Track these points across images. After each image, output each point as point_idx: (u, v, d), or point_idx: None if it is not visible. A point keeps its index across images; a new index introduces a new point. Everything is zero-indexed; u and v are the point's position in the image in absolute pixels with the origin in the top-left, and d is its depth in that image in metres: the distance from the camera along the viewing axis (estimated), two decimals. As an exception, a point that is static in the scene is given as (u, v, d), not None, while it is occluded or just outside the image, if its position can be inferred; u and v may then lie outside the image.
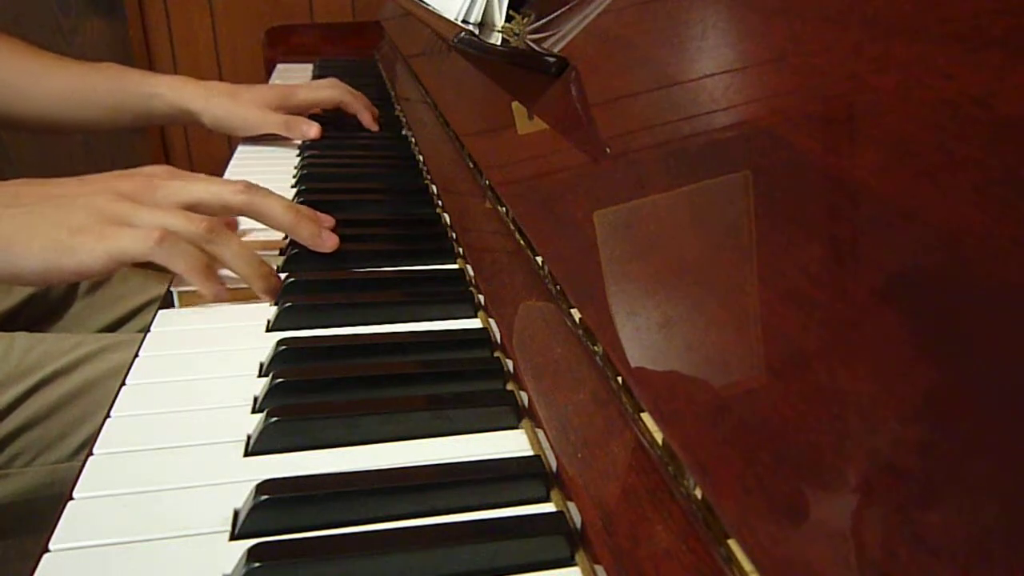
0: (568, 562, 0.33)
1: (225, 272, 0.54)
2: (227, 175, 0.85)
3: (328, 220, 0.61)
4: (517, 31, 0.68)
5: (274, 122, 0.94)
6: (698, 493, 0.28)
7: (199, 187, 0.55)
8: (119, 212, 0.50)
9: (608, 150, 0.41)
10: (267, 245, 0.63)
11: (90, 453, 0.39)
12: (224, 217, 0.58)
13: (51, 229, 0.49)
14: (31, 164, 1.69)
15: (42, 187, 0.54)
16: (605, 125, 0.43)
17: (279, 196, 0.58)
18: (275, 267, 0.59)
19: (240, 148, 0.97)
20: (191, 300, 0.54)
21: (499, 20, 0.75)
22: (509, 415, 0.42)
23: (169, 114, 0.93)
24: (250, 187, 0.57)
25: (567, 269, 0.42)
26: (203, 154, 1.93)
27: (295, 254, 0.61)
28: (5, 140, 1.68)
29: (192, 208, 0.54)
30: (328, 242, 0.58)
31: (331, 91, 1.00)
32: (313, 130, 0.94)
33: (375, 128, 1.01)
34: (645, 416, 0.32)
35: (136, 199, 0.52)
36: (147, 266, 0.54)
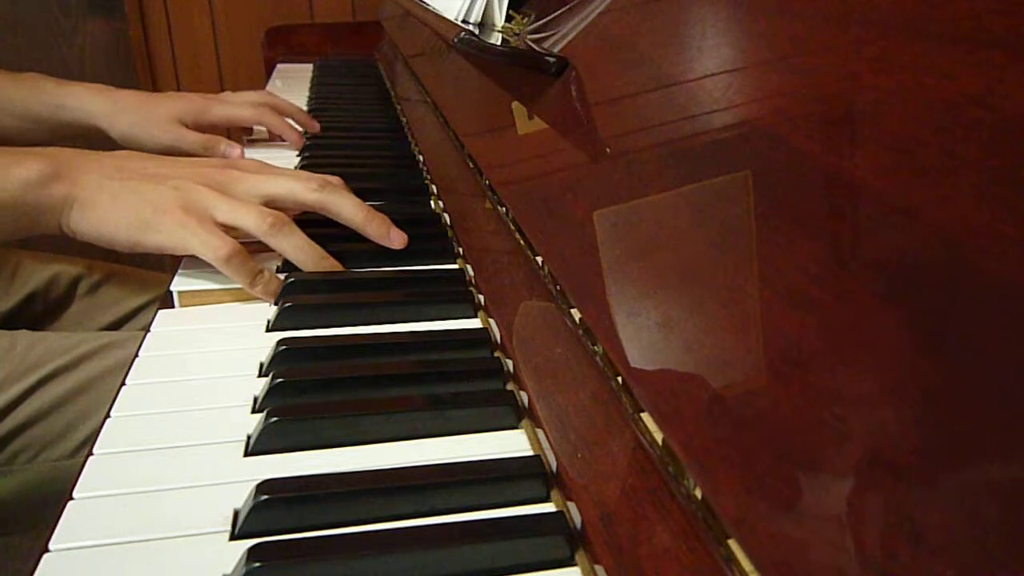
0: (568, 562, 0.33)
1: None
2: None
3: (400, 237, 0.64)
4: (517, 31, 0.68)
5: (191, 141, 0.88)
6: (698, 493, 0.28)
7: (277, 183, 0.60)
8: (201, 201, 0.56)
9: (608, 150, 0.41)
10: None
11: (90, 453, 0.39)
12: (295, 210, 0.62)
13: (141, 206, 0.55)
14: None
15: (142, 162, 0.60)
16: (605, 125, 0.43)
17: (350, 195, 0.61)
18: (275, 267, 0.60)
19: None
20: (191, 300, 0.55)
21: (499, 20, 0.75)
22: (509, 415, 0.42)
23: (78, 127, 0.89)
24: (325, 184, 0.61)
25: (567, 269, 0.42)
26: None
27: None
28: (5, 142, 1.67)
29: (269, 201, 0.58)
30: (396, 240, 0.61)
31: (250, 111, 0.94)
32: (235, 151, 0.87)
33: (298, 144, 0.95)
34: (645, 416, 0.32)
35: (221, 189, 0.57)
36: (145, 265, 0.54)
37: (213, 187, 0.57)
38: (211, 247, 0.53)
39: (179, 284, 0.56)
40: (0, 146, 0.58)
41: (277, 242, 0.56)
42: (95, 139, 0.88)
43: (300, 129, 0.97)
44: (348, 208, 0.60)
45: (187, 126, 0.89)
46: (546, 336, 0.44)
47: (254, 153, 0.94)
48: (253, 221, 0.56)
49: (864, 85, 0.25)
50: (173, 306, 0.55)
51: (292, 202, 0.60)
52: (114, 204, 0.56)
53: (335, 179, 0.63)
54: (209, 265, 0.54)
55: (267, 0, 1.86)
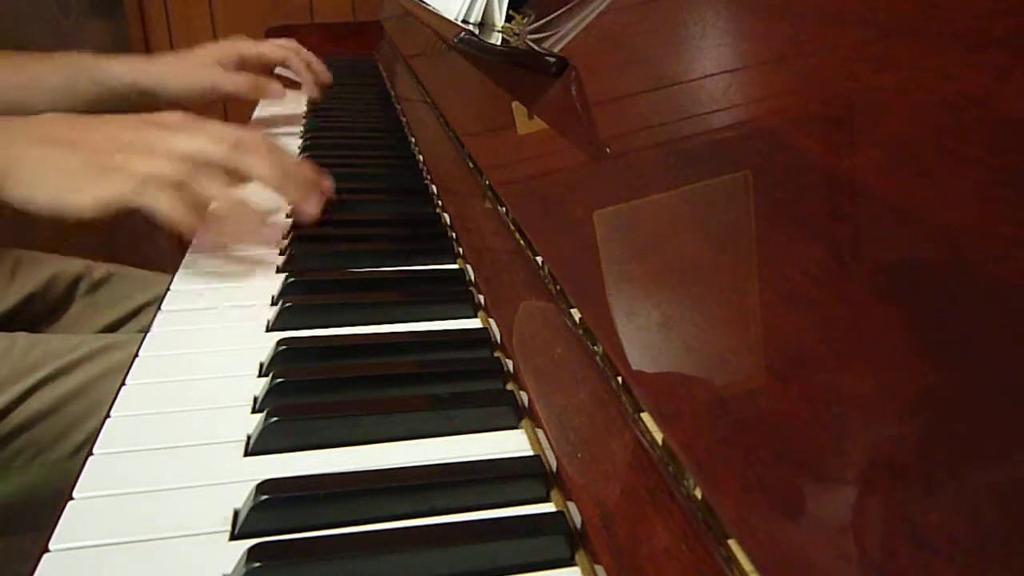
0: (568, 562, 0.33)
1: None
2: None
3: (326, 181, 0.64)
4: (517, 31, 0.68)
5: (235, 83, 0.93)
6: (698, 493, 0.28)
7: (188, 141, 0.57)
8: (118, 158, 0.55)
9: (608, 150, 0.41)
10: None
11: (90, 453, 0.39)
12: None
13: (57, 170, 0.55)
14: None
15: (65, 126, 0.59)
16: (605, 125, 0.43)
17: (269, 154, 0.59)
18: (275, 267, 0.59)
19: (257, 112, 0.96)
20: (191, 301, 0.55)
21: (499, 20, 0.75)
22: (509, 415, 0.42)
23: (124, 95, 0.92)
24: (238, 143, 0.58)
25: (567, 269, 0.42)
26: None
27: (295, 254, 0.61)
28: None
29: (186, 158, 0.56)
30: (311, 206, 0.61)
31: (279, 51, 1.03)
32: (278, 88, 0.94)
33: (315, 94, 1.05)
34: (645, 416, 0.32)
35: (138, 147, 0.56)
36: (145, 265, 0.54)
37: (127, 146, 0.56)
38: (122, 184, 0.53)
39: (179, 284, 0.56)
40: None
41: (242, 157, 0.57)
42: (144, 104, 0.90)
43: (315, 79, 1.06)
44: (260, 168, 0.58)
45: (224, 67, 0.94)
46: (546, 336, 0.44)
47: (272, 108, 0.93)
48: (169, 172, 0.54)
49: (864, 85, 0.25)
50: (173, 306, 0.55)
51: (207, 159, 0.57)
52: (34, 170, 0.56)
53: (257, 136, 0.60)
54: (209, 265, 0.54)
55: (267, 0, 1.86)
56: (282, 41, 1.05)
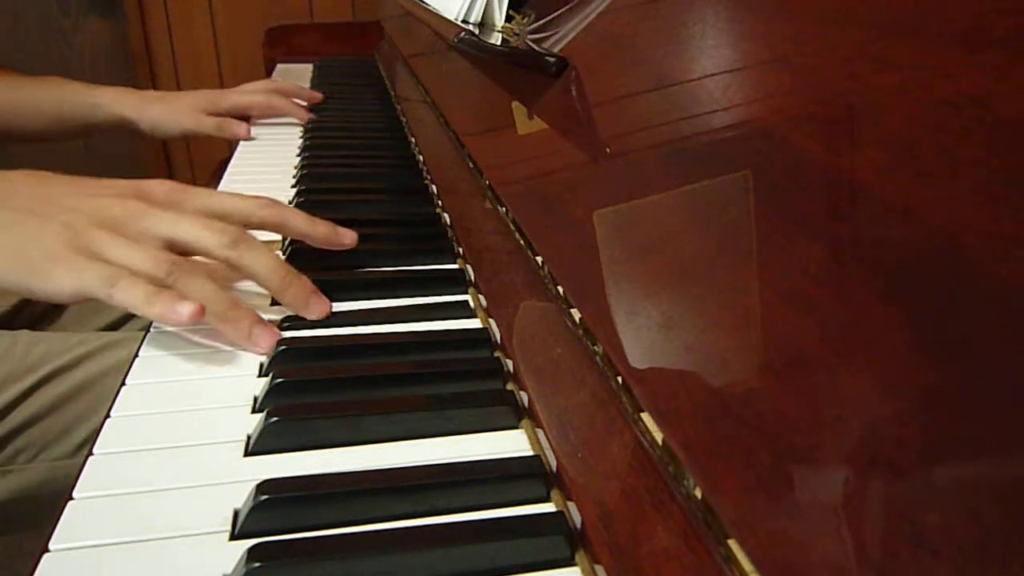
0: (568, 562, 0.33)
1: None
2: (227, 175, 0.85)
3: (347, 237, 0.58)
4: (517, 31, 0.68)
5: (207, 124, 1.01)
6: (698, 493, 0.28)
7: (184, 227, 0.50)
8: (96, 242, 0.48)
9: (608, 150, 0.41)
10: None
11: (90, 453, 0.39)
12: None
13: (27, 248, 0.48)
14: (31, 160, 1.68)
15: (36, 187, 0.53)
16: (605, 125, 0.43)
17: (268, 255, 0.52)
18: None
19: (240, 148, 0.97)
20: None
21: (499, 20, 0.75)
22: (509, 415, 0.42)
23: (110, 123, 1.00)
24: (240, 239, 0.51)
25: (567, 269, 0.42)
26: (203, 154, 1.93)
27: (294, 252, 0.61)
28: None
29: (171, 246, 0.50)
30: (315, 308, 0.52)
31: (258, 96, 1.07)
32: (242, 130, 1.01)
33: (305, 119, 1.07)
34: (645, 416, 0.32)
35: (117, 226, 0.49)
36: None
37: (107, 225, 0.49)
38: (97, 278, 0.46)
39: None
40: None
41: (237, 256, 0.50)
42: (125, 132, 1.02)
43: (306, 106, 1.10)
44: (262, 270, 0.51)
45: (206, 112, 1.01)
46: (546, 336, 0.44)
47: (254, 152, 0.95)
48: (148, 266, 0.47)
49: (864, 85, 0.25)
50: None
51: (199, 252, 0.51)
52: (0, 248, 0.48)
53: (253, 240, 0.52)
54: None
55: (267, 0, 1.86)
56: (260, 84, 1.09)
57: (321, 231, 0.57)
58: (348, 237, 0.58)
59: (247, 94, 1.07)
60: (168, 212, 0.51)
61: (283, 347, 0.47)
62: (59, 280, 0.47)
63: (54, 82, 0.99)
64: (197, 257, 0.51)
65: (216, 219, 0.52)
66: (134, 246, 0.48)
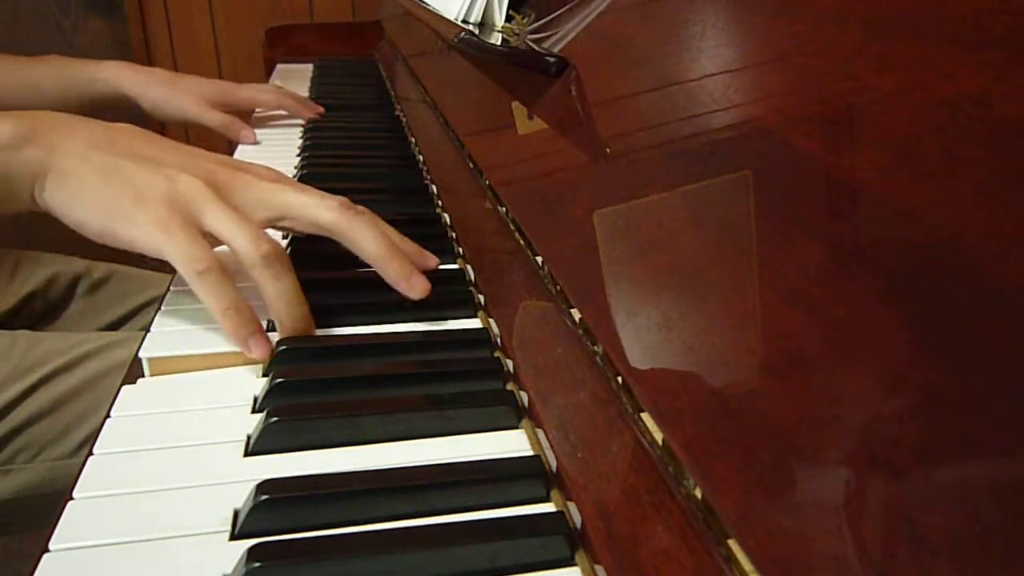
0: (568, 562, 0.33)
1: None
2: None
3: (431, 261, 0.55)
4: (517, 31, 0.68)
5: (213, 119, 0.96)
6: (698, 493, 0.28)
7: (292, 195, 0.50)
8: (194, 199, 0.47)
9: (608, 150, 0.41)
10: None
11: (90, 453, 0.39)
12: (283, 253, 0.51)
13: (122, 191, 0.46)
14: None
15: (141, 141, 0.51)
16: (605, 125, 0.43)
17: (376, 223, 0.52)
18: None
19: (239, 150, 0.97)
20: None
21: (499, 20, 0.75)
22: (509, 415, 0.42)
23: (111, 98, 0.95)
24: (348, 206, 0.51)
25: (567, 269, 0.42)
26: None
27: (294, 252, 0.61)
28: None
29: (278, 218, 0.50)
30: (417, 287, 0.51)
31: (270, 96, 1.04)
32: (249, 134, 0.97)
33: (306, 116, 1.06)
34: (645, 416, 0.32)
35: (223, 190, 0.48)
36: (146, 265, 0.53)
37: (214, 186, 0.48)
38: (187, 256, 0.45)
39: (179, 283, 0.56)
40: None
41: (264, 278, 0.47)
42: (125, 111, 0.95)
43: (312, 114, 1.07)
44: (368, 238, 0.50)
45: (210, 103, 0.97)
46: (546, 336, 0.44)
47: (254, 152, 0.95)
48: (245, 242, 0.46)
49: (864, 85, 0.25)
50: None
51: (306, 221, 0.51)
52: (93, 181, 0.47)
53: (360, 208, 0.53)
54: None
55: (267, 0, 1.86)
56: (269, 86, 1.07)
57: (393, 270, 0.51)
58: (419, 287, 0.51)
59: (260, 92, 1.04)
60: (275, 183, 0.51)
61: (283, 347, 0.47)
62: (146, 231, 0.45)
63: (53, 60, 0.96)
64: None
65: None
66: (236, 217, 0.47)
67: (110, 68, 0.95)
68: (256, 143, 0.98)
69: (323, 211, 0.50)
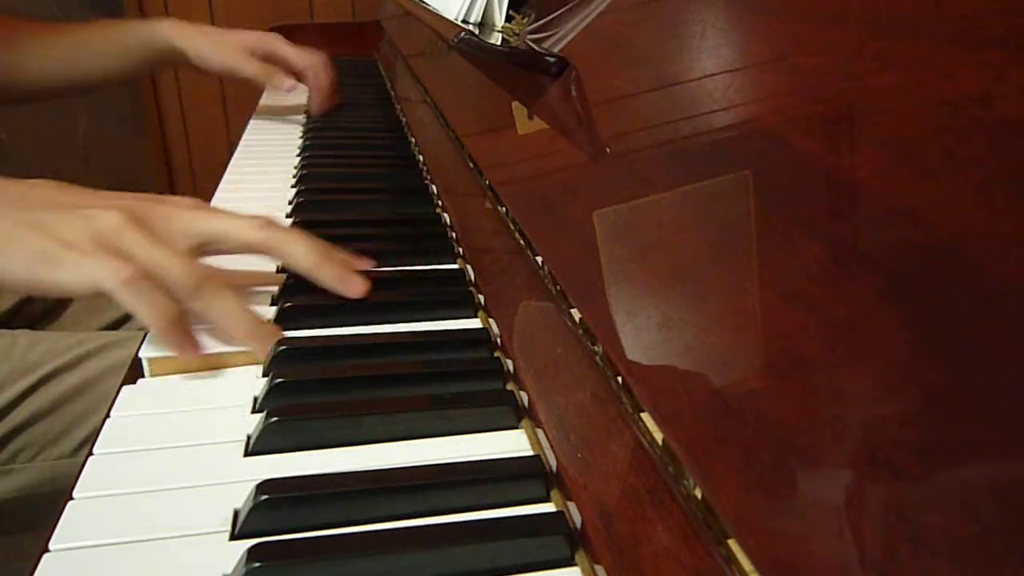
0: (568, 562, 0.33)
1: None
2: (226, 178, 0.85)
3: (363, 264, 0.55)
4: (517, 31, 0.68)
5: (250, 68, 0.98)
6: (698, 493, 0.28)
7: (213, 221, 0.49)
8: (115, 235, 0.45)
9: (608, 150, 0.41)
10: (268, 280, 0.57)
11: (90, 453, 0.39)
12: (226, 274, 0.51)
13: (43, 237, 0.45)
14: (30, 164, 1.69)
15: (52, 191, 0.49)
16: (605, 125, 0.43)
17: (303, 234, 0.51)
18: (275, 267, 0.59)
19: (240, 147, 0.97)
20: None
21: (499, 20, 0.75)
22: (509, 415, 0.42)
23: (166, 52, 0.99)
24: (270, 223, 0.51)
25: (567, 269, 0.42)
26: (203, 154, 1.93)
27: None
28: (5, 142, 1.68)
29: (204, 245, 0.49)
30: (353, 288, 0.51)
31: (309, 58, 1.04)
32: (287, 82, 0.99)
33: (322, 107, 1.07)
34: (645, 416, 0.32)
35: (146, 224, 0.47)
36: None
37: (134, 222, 0.46)
38: (113, 270, 0.43)
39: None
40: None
41: (200, 304, 0.46)
42: (179, 64, 1.01)
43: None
44: (298, 250, 0.50)
45: (254, 55, 0.99)
46: (546, 336, 0.44)
47: (254, 153, 0.95)
48: (177, 272, 0.45)
49: (864, 85, 0.25)
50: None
51: (233, 244, 0.50)
52: (13, 236, 0.45)
53: (284, 223, 0.52)
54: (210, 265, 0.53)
55: (267, 0, 1.86)
56: (312, 51, 1.06)
57: (329, 274, 0.51)
58: (356, 288, 0.52)
59: (298, 56, 1.03)
60: (197, 211, 0.50)
61: (283, 347, 0.47)
62: (73, 269, 0.44)
63: (104, 24, 0.99)
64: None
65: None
66: (161, 248, 0.46)
67: (162, 25, 0.98)
68: (289, 89, 0.99)
69: (248, 231, 0.49)
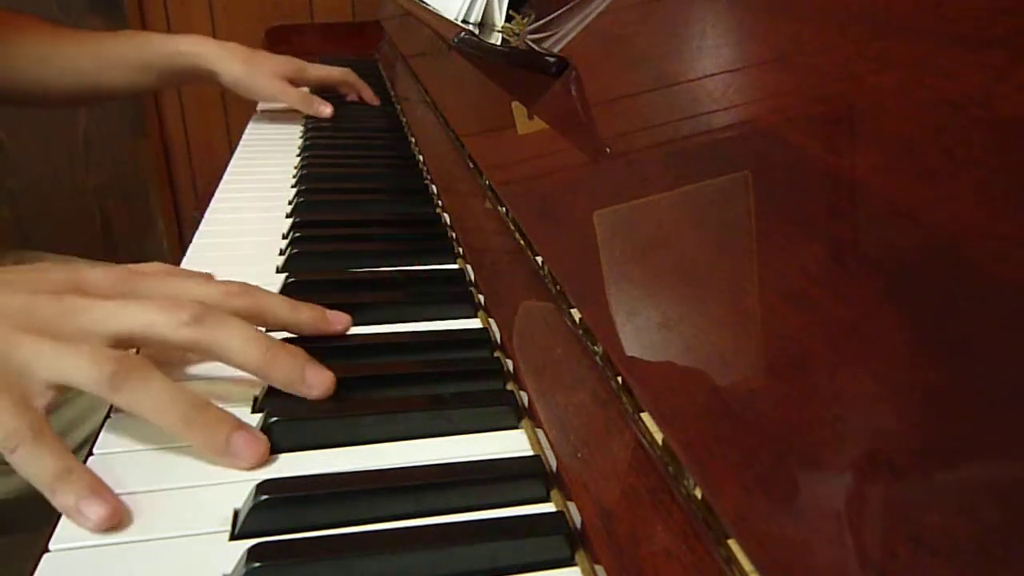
0: (568, 562, 0.33)
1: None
2: (226, 178, 0.85)
3: (338, 323, 0.48)
4: (517, 31, 0.68)
5: (292, 95, 1.00)
6: (698, 493, 0.28)
7: (134, 313, 0.40)
8: (18, 352, 0.37)
9: (608, 150, 0.41)
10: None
11: (90, 453, 0.39)
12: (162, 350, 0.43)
13: None
14: (30, 166, 1.69)
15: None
16: (605, 125, 0.43)
17: (242, 325, 0.42)
18: (275, 267, 0.59)
19: (241, 147, 0.97)
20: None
21: (499, 20, 0.75)
22: (509, 415, 0.42)
23: (191, 71, 0.97)
24: (203, 314, 0.40)
25: (567, 269, 0.42)
26: (203, 154, 1.93)
27: (294, 254, 0.61)
28: (5, 143, 1.68)
29: (120, 344, 0.40)
30: (316, 385, 0.42)
31: (341, 73, 1.09)
32: (327, 109, 1.01)
33: (376, 102, 1.11)
34: (645, 416, 0.32)
35: (49, 327, 0.39)
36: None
37: (35, 329, 0.38)
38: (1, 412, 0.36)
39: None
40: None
41: (123, 400, 0.38)
42: (205, 82, 1.00)
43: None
44: (235, 347, 0.41)
45: (289, 80, 1.01)
46: (546, 336, 0.44)
47: (253, 154, 0.95)
48: (85, 372, 0.37)
49: (864, 85, 0.25)
50: None
51: (156, 345, 0.42)
52: None
53: (221, 310, 0.42)
54: (209, 266, 0.54)
55: (267, 0, 1.86)
56: (338, 68, 1.10)
57: (306, 317, 0.46)
58: (340, 322, 0.47)
59: (329, 71, 1.07)
60: (111, 302, 0.41)
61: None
62: None
63: (133, 34, 0.98)
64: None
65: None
66: (68, 349, 0.38)
67: (190, 41, 0.97)
68: (330, 114, 1.02)
69: (173, 328, 0.40)
